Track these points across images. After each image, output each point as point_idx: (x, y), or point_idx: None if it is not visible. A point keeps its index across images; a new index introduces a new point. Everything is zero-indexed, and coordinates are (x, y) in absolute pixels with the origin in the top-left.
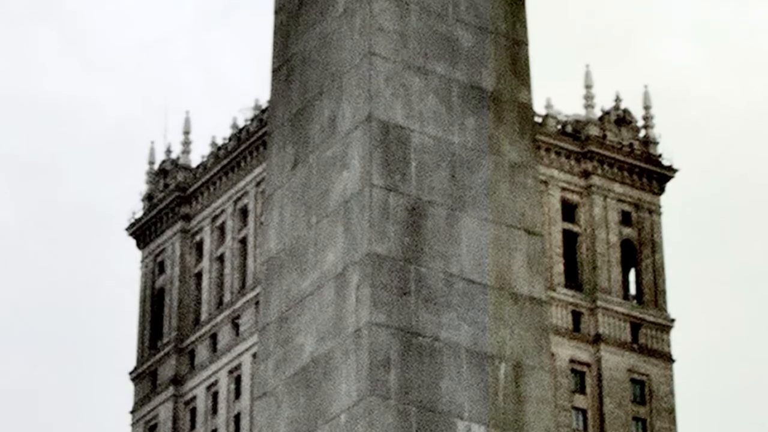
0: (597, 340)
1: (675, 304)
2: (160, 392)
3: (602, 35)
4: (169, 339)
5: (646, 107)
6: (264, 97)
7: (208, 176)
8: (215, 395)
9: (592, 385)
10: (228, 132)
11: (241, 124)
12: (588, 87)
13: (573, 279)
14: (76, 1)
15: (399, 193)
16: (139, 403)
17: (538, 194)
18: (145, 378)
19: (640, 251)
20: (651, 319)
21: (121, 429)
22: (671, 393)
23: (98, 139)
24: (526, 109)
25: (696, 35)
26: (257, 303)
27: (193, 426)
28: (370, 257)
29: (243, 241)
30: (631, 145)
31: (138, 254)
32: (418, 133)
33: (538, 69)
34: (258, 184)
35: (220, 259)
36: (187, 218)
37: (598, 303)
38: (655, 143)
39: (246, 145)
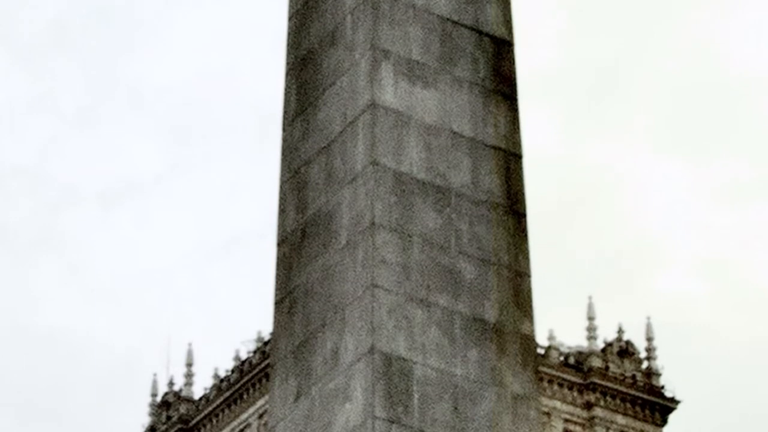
0: None
1: None
2: None
3: (604, 267)
4: None
5: (649, 339)
6: (266, 329)
7: (210, 408)
8: None
9: None
10: (230, 364)
11: (243, 356)
12: (590, 319)
13: None
14: (76, 229)
15: (401, 425)
16: None
17: (541, 426)
18: None
19: None
20: None
21: None
22: None
23: (99, 370)
24: (529, 340)
25: (698, 268)
26: None
27: None
28: None
29: None
30: (633, 376)
31: None
32: (421, 365)
33: (540, 300)
34: (261, 416)
35: None
36: None
37: None
38: (658, 375)
39: (248, 377)
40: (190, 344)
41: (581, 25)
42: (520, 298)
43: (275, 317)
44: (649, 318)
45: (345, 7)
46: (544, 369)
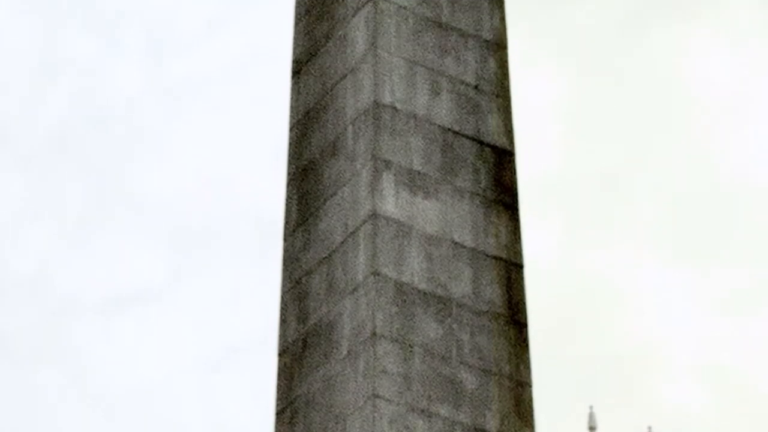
0: None
1: None
2: None
3: (604, 376)
4: None
5: None
6: None
7: None
8: None
9: None
10: None
11: None
12: (591, 429)
13: None
14: (77, 339)
15: None
16: None
17: None
18: None
19: None
20: None
21: None
22: None
23: None
24: None
25: (699, 377)
26: None
27: None
28: None
29: None
30: None
31: None
32: None
33: (541, 410)
34: None
35: None
36: None
37: None
38: None
39: None
40: None
41: (581, 133)
42: (521, 408)
43: (276, 428)
44: (650, 428)
45: (346, 118)
46: None
